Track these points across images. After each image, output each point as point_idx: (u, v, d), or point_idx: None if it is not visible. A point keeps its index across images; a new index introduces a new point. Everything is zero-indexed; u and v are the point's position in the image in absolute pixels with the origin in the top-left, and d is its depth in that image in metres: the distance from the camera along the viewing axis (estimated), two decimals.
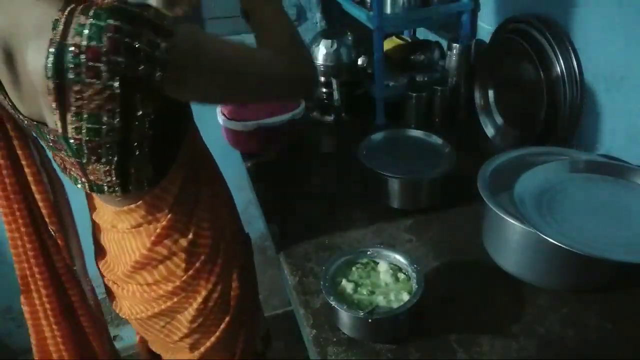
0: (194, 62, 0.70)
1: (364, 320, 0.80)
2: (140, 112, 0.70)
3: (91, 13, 0.62)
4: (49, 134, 0.74)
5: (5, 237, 0.89)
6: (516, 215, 0.85)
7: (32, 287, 0.93)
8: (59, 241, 0.92)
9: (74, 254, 0.96)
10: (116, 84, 0.65)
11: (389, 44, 1.58)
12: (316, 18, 1.67)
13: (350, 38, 1.40)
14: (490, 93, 1.33)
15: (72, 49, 0.62)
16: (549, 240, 0.77)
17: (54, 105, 0.66)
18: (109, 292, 1.03)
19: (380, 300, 0.83)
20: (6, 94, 0.74)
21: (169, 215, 0.86)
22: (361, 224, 1.08)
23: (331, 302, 0.80)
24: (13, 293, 1.79)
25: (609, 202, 0.88)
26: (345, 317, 0.82)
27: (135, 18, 0.63)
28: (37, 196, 0.88)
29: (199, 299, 0.94)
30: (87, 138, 0.70)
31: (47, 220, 0.90)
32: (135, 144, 0.74)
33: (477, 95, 1.35)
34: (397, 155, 1.14)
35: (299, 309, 0.91)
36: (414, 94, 1.32)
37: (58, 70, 0.63)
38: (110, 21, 0.62)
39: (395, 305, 0.82)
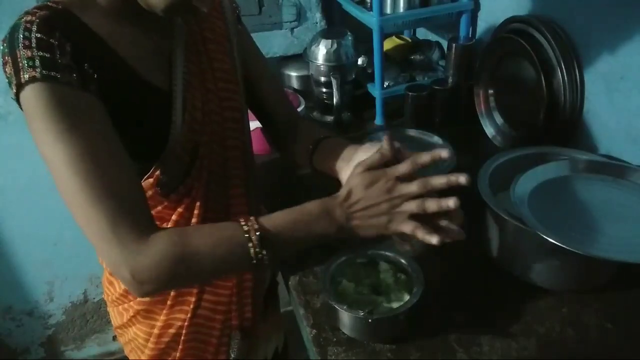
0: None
1: (364, 320, 0.80)
2: None
3: None
4: None
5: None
6: (516, 215, 0.85)
7: None
8: None
9: None
10: None
11: (389, 44, 1.58)
12: (316, 18, 1.66)
13: (350, 38, 1.40)
14: (490, 93, 1.33)
15: None
16: (549, 240, 0.77)
17: None
18: None
19: (380, 300, 0.83)
20: None
21: None
22: None
23: (331, 302, 0.80)
24: (13, 293, 1.81)
25: (609, 202, 0.88)
26: (345, 317, 0.82)
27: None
28: None
29: None
30: None
31: None
32: None
33: (477, 95, 1.35)
34: None
35: (299, 309, 0.91)
36: (414, 94, 1.32)
37: None
38: None
39: (395, 305, 0.82)
